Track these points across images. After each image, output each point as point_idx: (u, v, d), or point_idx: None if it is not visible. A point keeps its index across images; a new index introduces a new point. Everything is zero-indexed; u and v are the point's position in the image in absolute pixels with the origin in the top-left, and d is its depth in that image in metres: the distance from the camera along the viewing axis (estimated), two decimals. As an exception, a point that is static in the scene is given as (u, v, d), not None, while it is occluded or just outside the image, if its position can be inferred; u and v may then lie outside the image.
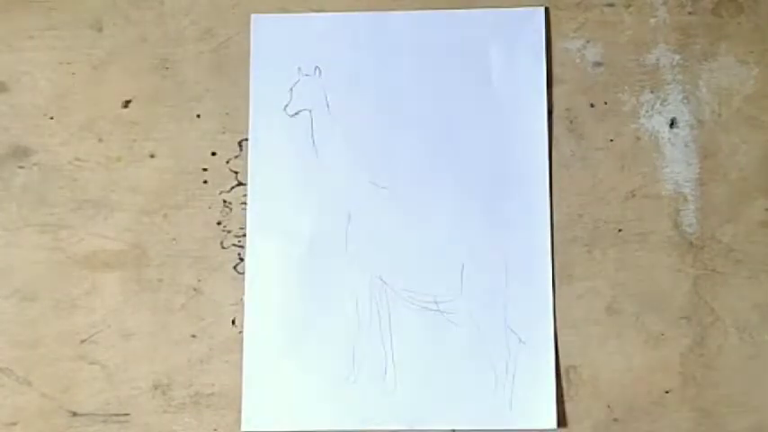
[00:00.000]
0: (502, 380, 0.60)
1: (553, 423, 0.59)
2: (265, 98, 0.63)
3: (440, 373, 0.60)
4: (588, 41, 0.63)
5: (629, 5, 0.63)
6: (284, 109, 0.63)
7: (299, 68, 0.63)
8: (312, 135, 0.63)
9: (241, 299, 0.61)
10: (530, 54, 0.63)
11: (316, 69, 0.63)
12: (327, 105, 0.63)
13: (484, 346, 0.60)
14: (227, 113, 0.63)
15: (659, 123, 0.62)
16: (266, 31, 0.64)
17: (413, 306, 0.61)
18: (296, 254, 0.61)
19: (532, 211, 0.61)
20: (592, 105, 0.63)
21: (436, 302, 0.61)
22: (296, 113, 0.63)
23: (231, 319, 0.61)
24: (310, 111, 0.63)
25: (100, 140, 0.63)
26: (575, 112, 0.63)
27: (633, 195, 0.62)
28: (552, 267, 0.61)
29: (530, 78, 0.63)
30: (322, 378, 0.60)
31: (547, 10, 0.63)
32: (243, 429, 0.60)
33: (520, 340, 0.60)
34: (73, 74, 0.64)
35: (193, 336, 0.61)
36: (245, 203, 0.62)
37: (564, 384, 0.60)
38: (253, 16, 0.64)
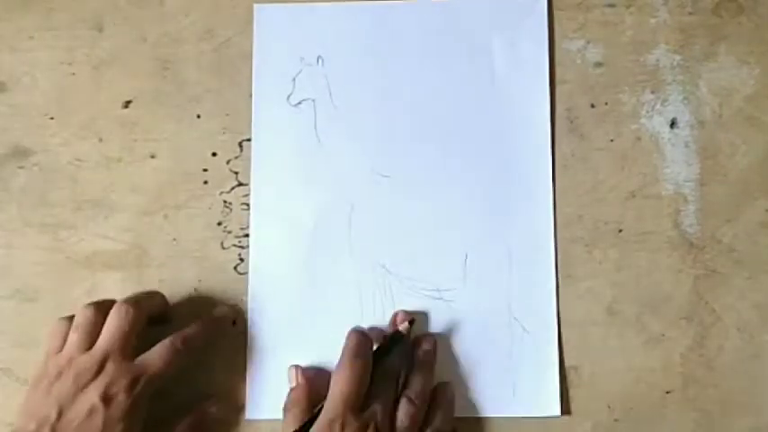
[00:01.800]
0: (505, 368, 0.60)
1: (557, 410, 0.59)
2: (268, 88, 0.63)
3: (443, 361, 0.60)
4: (589, 42, 0.63)
5: (630, 6, 0.63)
6: (287, 99, 0.63)
7: (302, 58, 0.63)
8: (315, 125, 0.63)
9: (242, 299, 0.61)
10: (532, 43, 0.63)
11: (318, 59, 0.63)
12: (330, 95, 0.63)
13: (487, 334, 0.60)
14: (227, 114, 0.63)
15: (660, 124, 0.62)
16: (269, 21, 0.64)
17: (416, 295, 0.61)
18: (299, 244, 0.62)
19: (536, 201, 0.62)
20: (592, 106, 0.63)
21: (439, 291, 0.61)
22: (299, 103, 0.63)
23: (232, 319, 0.61)
24: (313, 100, 0.63)
25: (100, 141, 0.63)
26: (575, 112, 0.63)
27: (633, 196, 0.62)
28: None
29: (532, 66, 0.63)
30: (326, 367, 0.60)
31: (549, 1, 0.63)
32: (247, 417, 0.60)
33: (523, 329, 0.60)
34: (73, 74, 0.64)
35: (194, 336, 0.61)
36: (246, 204, 0.62)
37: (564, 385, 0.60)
38: (255, 6, 0.64)
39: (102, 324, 0.56)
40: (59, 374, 0.54)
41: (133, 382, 0.54)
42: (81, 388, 0.53)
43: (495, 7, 0.63)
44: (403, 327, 0.58)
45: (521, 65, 0.63)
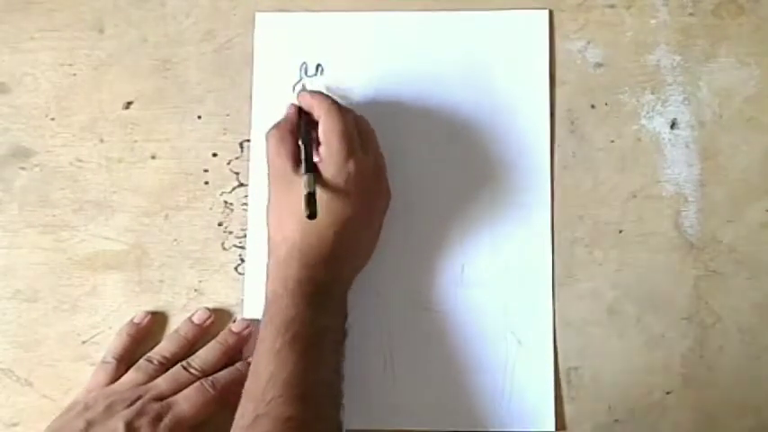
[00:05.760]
0: (500, 382, 0.60)
1: (551, 425, 0.59)
2: (268, 96, 0.63)
3: (438, 374, 0.60)
4: (589, 42, 0.63)
5: (630, 6, 0.63)
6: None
7: (302, 67, 0.63)
8: None
9: (242, 300, 0.61)
10: (532, 57, 0.63)
11: (318, 68, 0.63)
12: None
13: (482, 347, 0.60)
14: (227, 114, 0.63)
15: (660, 124, 0.62)
16: (269, 29, 0.64)
17: (412, 307, 0.61)
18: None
19: (533, 213, 0.61)
20: (593, 106, 0.63)
21: (435, 303, 0.61)
22: None
23: (232, 320, 0.61)
24: None
25: (101, 141, 0.63)
26: (576, 113, 0.63)
27: (634, 196, 0.62)
28: (553, 268, 0.61)
29: (532, 81, 0.62)
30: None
31: (549, 13, 0.63)
32: None
33: (519, 342, 0.60)
34: (74, 75, 0.64)
35: (195, 337, 0.61)
36: (247, 204, 0.62)
37: (565, 386, 0.60)
38: (257, 14, 0.64)
39: (161, 372, 0.58)
40: (96, 403, 0.56)
41: (156, 419, 0.55)
42: (111, 415, 0.55)
43: (496, 20, 0.63)
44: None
45: (520, 78, 0.62)
